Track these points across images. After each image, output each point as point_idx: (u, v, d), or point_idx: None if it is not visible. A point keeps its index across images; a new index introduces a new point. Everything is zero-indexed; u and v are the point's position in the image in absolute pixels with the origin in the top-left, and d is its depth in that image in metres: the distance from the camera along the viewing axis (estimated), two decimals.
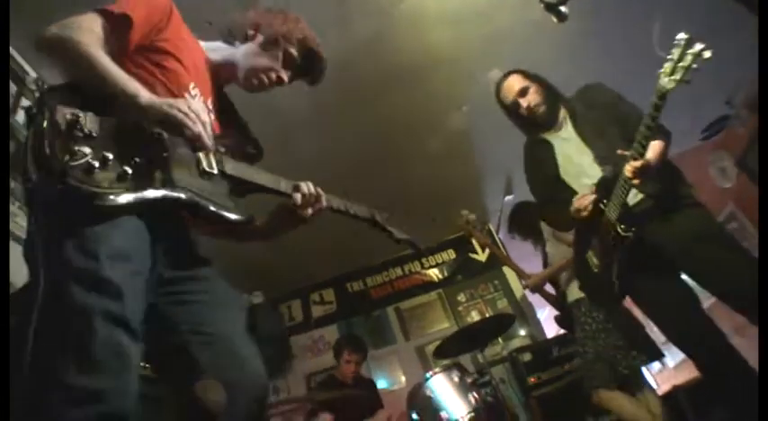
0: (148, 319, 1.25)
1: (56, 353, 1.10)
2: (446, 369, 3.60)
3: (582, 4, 2.13)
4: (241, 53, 1.81)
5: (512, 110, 2.70)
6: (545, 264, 3.65)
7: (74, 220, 1.20)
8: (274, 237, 1.81)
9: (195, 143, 1.39)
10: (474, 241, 6.17)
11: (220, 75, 1.82)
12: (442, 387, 3.50)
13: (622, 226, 2.30)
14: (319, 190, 1.77)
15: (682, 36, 1.85)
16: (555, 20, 2.17)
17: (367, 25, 3.61)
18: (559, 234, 3.35)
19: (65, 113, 1.20)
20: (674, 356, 7.68)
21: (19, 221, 2.58)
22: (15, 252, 2.44)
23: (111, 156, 1.21)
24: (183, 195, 1.35)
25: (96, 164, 1.18)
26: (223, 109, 1.82)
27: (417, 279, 6.37)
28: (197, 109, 1.38)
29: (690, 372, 6.14)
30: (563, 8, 2.15)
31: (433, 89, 4.29)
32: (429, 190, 5.05)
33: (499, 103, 2.77)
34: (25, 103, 2.98)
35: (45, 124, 1.18)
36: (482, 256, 6.27)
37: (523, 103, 2.62)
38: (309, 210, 1.73)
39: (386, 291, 6.34)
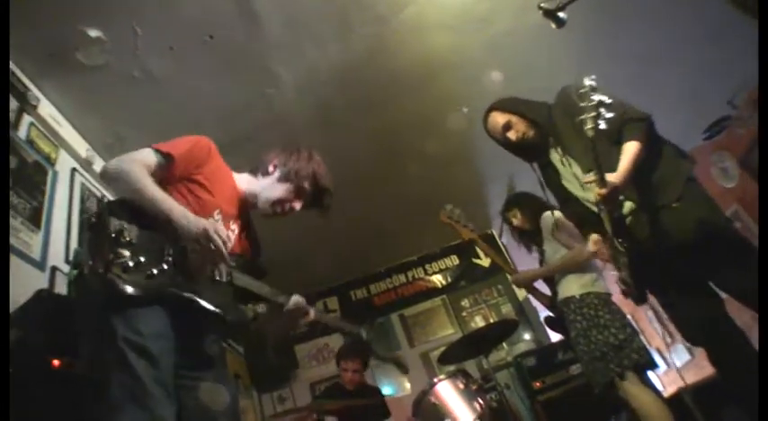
0: None
1: (118, 404, 1.42)
2: (451, 375, 3.58)
3: (581, 9, 2.13)
4: (261, 185, 2.13)
5: (506, 144, 2.73)
6: (541, 263, 3.62)
7: (120, 304, 1.51)
8: (271, 342, 2.22)
9: (213, 262, 1.74)
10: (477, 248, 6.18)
11: (246, 202, 2.12)
12: (447, 393, 3.48)
13: (619, 240, 2.31)
14: (307, 306, 2.14)
15: (587, 82, 1.90)
16: (553, 26, 2.19)
17: (368, 33, 3.63)
18: (558, 235, 3.34)
19: (115, 224, 1.55)
20: (680, 357, 7.67)
21: (22, 236, 2.58)
22: (16, 268, 2.46)
23: (143, 259, 1.55)
24: (189, 295, 1.66)
25: (131, 264, 1.52)
26: (244, 232, 2.12)
27: (421, 285, 6.37)
28: (221, 233, 1.68)
29: (695, 374, 6.12)
30: (561, 14, 2.16)
31: (434, 95, 4.30)
32: (431, 195, 5.03)
33: (495, 140, 2.80)
34: (27, 119, 3.00)
35: (101, 232, 1.53)
36: (485, 262, 6.26)
37: (512, 136, 2.65)
38: (299, 322, 2.15)
39: (390, 297, 6.33)
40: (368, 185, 4.96)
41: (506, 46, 3.91)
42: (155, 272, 1.57)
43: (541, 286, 3.67)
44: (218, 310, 1.73)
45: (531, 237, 3.65)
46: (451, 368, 4.06)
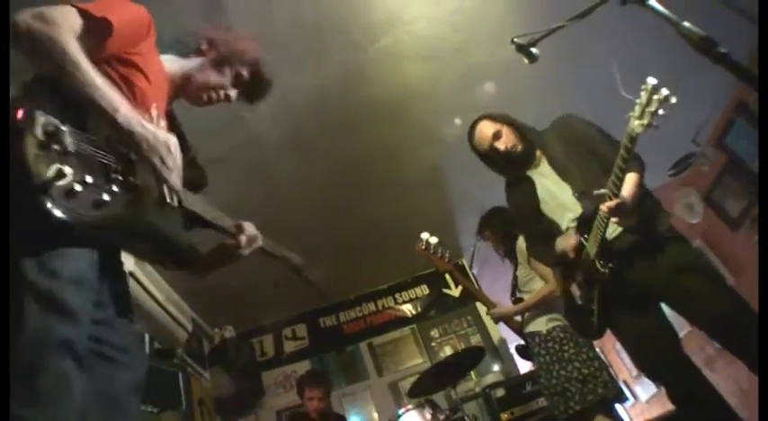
0: None
1: (9, 381, 1.05)
2: (418, 406, 3.56)
3: (556, 42, 2.18)
4: (194, 67, 1.77)
5: (490, 156, 2.72)
6: (513, 288, 3.63)
7: (37, 237, 1.13)
8: (206, 273, 1.79)
9: (166, 184, 1.40)
10: (447, 276, 6.19)
11: (176, 90, 1.75)
12: None
13: (601, 262, 2.32)
14: (257, 233, 1.80)
15: (650, 81, 1.87)
16: (526, 61, 2.24)
17: (344, 59, 3.65)
18: (534, 263, 3.35)
19: (44, 122, 1.12)
20: (646, 390, 7.73)
21: None
22: None
23: (90, 179, 1.17)
24: (147, 228, 1.36)
25: (78, 187, 1.13)
26: (171, 126, 1.68)
27: (391, 314, 6.32)
28: (175, 146, 1.38)
29: (662, 406, 6.17)
30: (533, 49, 2.21)
31: (407, 123, 4.33)
32: (402, 225, 5.05)
33: (475, 152, 2.80)
34: None
35: (27, 133, 1.10)
36: (455, 292, 6.27)
37: (500, 146, 2.65)
38: (247, 251, 1.76)
39: (359, 326, 6.27)
40: (339, 212, 4.95)
41: (480, 77, 3.99)
42: (105, 198, 1.19)
43: None
44: (176, 246, 1.44)
45: (507, 254, 3.66)
46: (419, 399, 4.03)
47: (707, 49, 1.40)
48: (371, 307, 6.39)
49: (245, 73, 1.82)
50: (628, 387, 8.17)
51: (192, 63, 1.77)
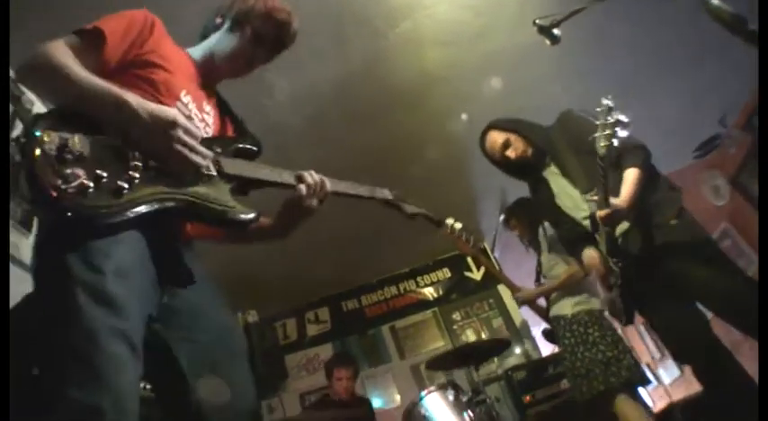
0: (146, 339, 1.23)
1: (60, 366, 1.09)
2: (441, 387, 3.58)
3: (576, 26, 2.16)
4: (213, 43, 1.77)
5: (503, 164, 2.77)
6: (538, 274, 3.64)
7: (76, 237, 1.19)
8: (284, 235, 1.75)
9: (193, 155, 1.36)
10: (469, 259, 6.19)
11: (208, 73, 1.76)
12: (437, 405, 3.48)
13: (613, 260, 2.34)
14: (322, 176, 1.70)
15: (604, 102, 1.94)
16: (548, 42, 2.22)
17: (364, 46, 3.65)
18: (556, 249, 3.36)
19: (53, 138, 1.18)
20: (669, 373, 7.67)
21: (12, 239, 2.58)
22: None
23: (105, 174, 1.20)
24: (182, 203, 1.33)
25: (90, 184, 1.17)
26: (219, 107, 1.79)
27: (412, 297, 6.36)
28: (193, 131, 1.36)
29: (686, 389, 6.13)
30: (556, 31, 2.19)
31: (428, 109, 4.32)
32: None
33: (490, 161, 2.85)
34: (20, 125, 2.99)
35: (36, 152, 1.15)
36: (477, 275, 6.27)
37: (511, 154, 2.69)
38: (315, 201, 1.67)
39: (381, 309, 6.32)
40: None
41: (501, 62, 3.95)
42: (123, 185, 1.22)
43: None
44: (225, 209, 1.40)
45: (533, 242, 3.68)
46: (442, 380, 4.07)
47: (738, 28, 1.37)
48: (393, 290, 6.43)
49: (262, 28, 1.76)
50: (650, 370, 8.13)
51: (211, 41, 1.79)
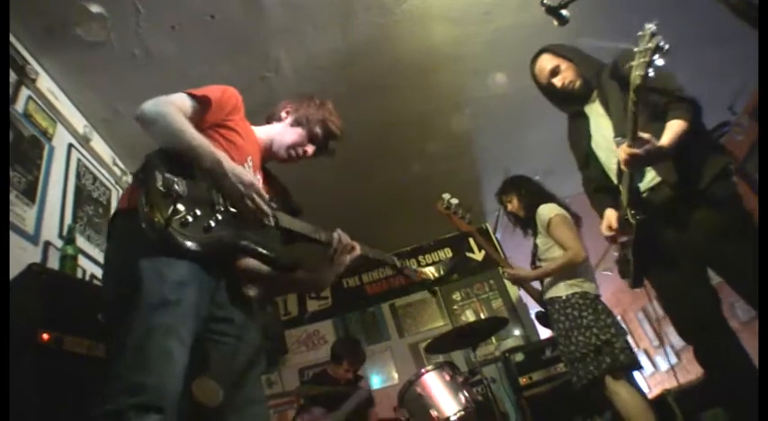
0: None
1: (121, 351, 1.37)
2: (437, 367, 3.60)
3: (585, 5, 2.13)
4: (276, 131, 2.17)
5: (548, 90, 2.70)
6: (533, 256, 3.61)
7: (152, 252, 1.47)
8: (317, 289, 2.22)
9: (259, 209, 1.71)
10: (471, 240, 6.19)
11: (265, 152, 2.13)
12: (433, 384, 3.50)
13: (632, 212, 2.27)
14: (351, 241, 2.08)
15: (647, 26, 1.83)
16: (556, 23, 2.18)
17: (371, 21, 3.61)
18: (553, 232, 3.33)
19: (161, 178, 1.51)
20: (666, 360, 7.72)
21: (17, 210, 2.58)
22: (11, 241, 2.46)
23: (199, 212, 1.55)
24: (247, 243, 1.67)
25: (190, 219, 1.51)
26: (269, 179, 2.15)
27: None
28: (261, 192, 1.71)
29: (682, 376, 6.16)
30: (564, 12, 2.15)
31: (434, 86, 4.29)
32: (428, 188, 5.05)
33: (536, 85, 2.77)
34: (25, 92, 2.99)
35: (148, 186, 1.49)
36: (478, 256, 6.29)
37: (557, 82, 2.62)
38: (346, 258, 2.04)
39: (381, 287, 6.35)
40: (363, 174, 4.97)
41: (508, 41, 3.91)
42: (212, 224, 1.57)
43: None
44: (274, 256, 1.75)
45: (525, 223, 3.62)
46: (439, 360, 4.09)
47: (746, 13, 1.34)
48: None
49: (317, 131, 2.17)
50: (648, 357, 8.19)
51: (274, 128, 2.18)
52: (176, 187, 1.52)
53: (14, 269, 2.13)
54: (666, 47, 1.79)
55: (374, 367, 5.75)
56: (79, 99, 3.56)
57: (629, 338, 3.27)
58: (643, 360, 8.09)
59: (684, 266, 2.30)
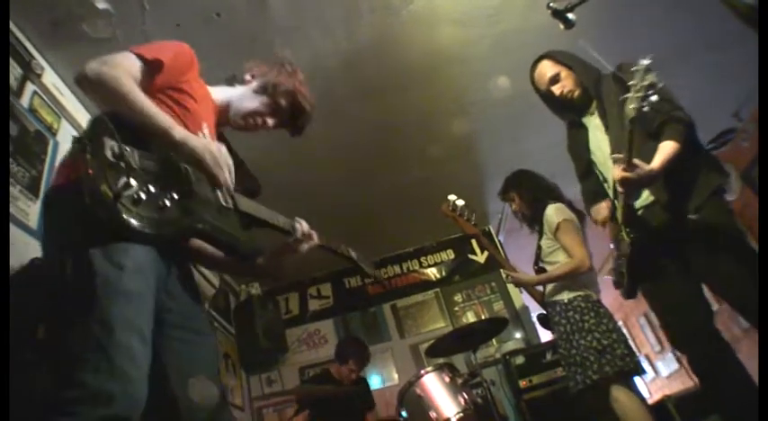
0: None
1: (78, 353, 1.20)
2: (437, 368, 3.60)
3: (592, 9, 2.12)
4: (236, 94, 1.96)
5: (547, 97, 2.70)
6: (537, 257, 3.58)
7: (104, 236, 1.30)
8: (272, 275, 2.02)
9: (220, 187, 1.58)
10: (473, 242, 6.19)
11: (221, 117, 1.93)
12: (433, 386, 3.50)
13: (627, 229, 2.29)
14: (310, 229, 1.92)
15: (642, 62, 1.85)
16: (562, 27, 2.18)
17: (376, 22, 3.61)
18: (561, 236, 3.30)
19: (111, 146, 1.32)
20: (667, 366, 7.70)
21: (20, 205, 2.59)
22: (14, 236, 2.47)
23: (152, 189, 1.36)
24: (204, 226, 1.49)
25: (143, 196, 1.32)
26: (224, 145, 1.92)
27: (415, 277, 6.38)
28: (225, 154, 1.55)
29: (682, 383, 6.15)
30: (570, 15, 2.15)
31: (439, 88, 4.29)
32: (431, 189, 5.05)
33: (535, 90, 2.77)
34: (30, 87, 2.99)
35: (96, 154, 1.29)
36: (481, 258, 6.28)
37: (556, 90, 2.62)
38: (304, 247, 1.89)
39: (383, 288, 6.33)
40: (367, 175, 4.97)
41: (514, 44, 3.91)
42: (166, 203, 1.38)
43: None
44: (234, 242, 1.60)
45: (531, 221, 3.57)
46: (439, 361, 4.08)
47: (753, 19, 1.34)
48: (396, 269, 6.45)
49: (282, 102, 1.96)
50: (650, 362, 8.16)
51: (235, 91, 1.98)
52: (128, 158, 1.33)
53: (18, 263, 2.14)
54: (660, 85, 1.83)
55: (374, 367, 5.73)
56: (84, 94, 3.55)
57: (631, 343, 3.24)
58: (644, 365, 8.08)
59: (678, 281, 2.33)
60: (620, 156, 2.07)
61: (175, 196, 1.42)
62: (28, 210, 2.65)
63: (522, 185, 3.56)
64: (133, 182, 1.30)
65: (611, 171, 2.31)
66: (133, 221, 1.28)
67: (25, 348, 1.86)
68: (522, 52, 3.87)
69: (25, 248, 2.51)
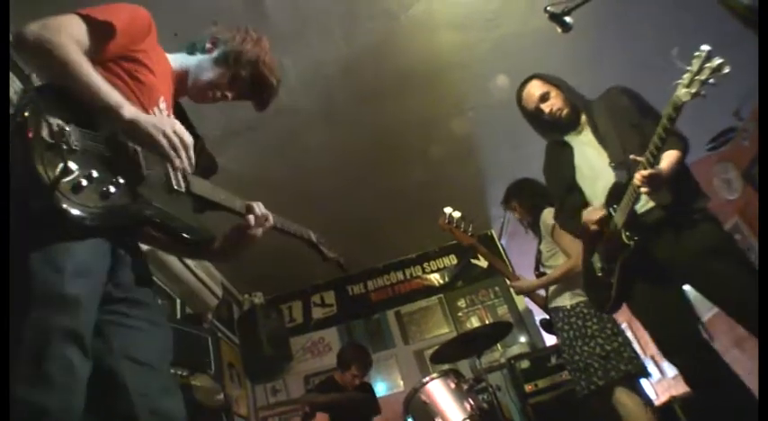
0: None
1: (13, 365, 1.09)
2: (443, 374, 3.59)
3: (591, 12, 2.13)
4: (194, 63, 1.81)
5: (534, 116, 2.72)
6: (537, 261, 3.60)
7: (44, 233, 1.18)
8: (228, 258, 1.81)
9: (177, 170, 1.45)
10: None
11: (178, 86, 1.79)
12: (438, 392, 3.49)
13: (627, 233, 2.29)
14: (267, 211, 1.77)
15: (704, 48, 1.83)
16: (559, 30, 2.19)
17: (375, 27, 3.62)
18: (557, 238, 3.31)
19: (51, 124, 1.18)
20: (672, 367, 7.67)
21: None
22: None
23: (95, 173, 1.21)
24: (154, 214, 1.38)
25: (84, 182, 1.18)
26: (180, 118, 1.73)
27: (418, 283, 6.36)
28: (181, 132, 1.39)
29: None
30: (567, 18, 2.16)
31: (439, 93, 4.30)
32: (432, 193, 5.05)
33: (521, 111, 2.79)
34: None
35: (33, 134, 1.15)
36: (483, 263, 6.26)
37: (545, 108, 2.64)
38: (260, 230, 1.73)
39: (386, 294, 6.33)
40: (368, 181, 4.96)
41: (513, 48, 3.91)
42: (111, 189, 1.23)
43: None
44: (186, 230, 1.49)
45: (533, 227, 3.61)
46: (444, 367, 4.07)
47: (752, 20, 1.34)
48: (399, 275, 6.44)
49: (243, 73, 1.80)
50: (655, 363, 8.11)
51: (193, 60, 1.82)
52: (68, 137, 1.19)
53: None
54: (727, 70, 1.83)
55: (379, 374, 5.72)
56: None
57: (636, 345, 3.24)
58: (650, 366, 8.04)
59: (670, 288, 2.35)
60: (641, 158, 2.10)
61: (121, 181, 1.28)
62: None
63: (522, 193, 3.61)
64: (74, 166, 1.17)
65: (602, 181, 2.41)
66: (73, 211, 1.15)
67: None
68: (521, 56, 3.91)
69: None
